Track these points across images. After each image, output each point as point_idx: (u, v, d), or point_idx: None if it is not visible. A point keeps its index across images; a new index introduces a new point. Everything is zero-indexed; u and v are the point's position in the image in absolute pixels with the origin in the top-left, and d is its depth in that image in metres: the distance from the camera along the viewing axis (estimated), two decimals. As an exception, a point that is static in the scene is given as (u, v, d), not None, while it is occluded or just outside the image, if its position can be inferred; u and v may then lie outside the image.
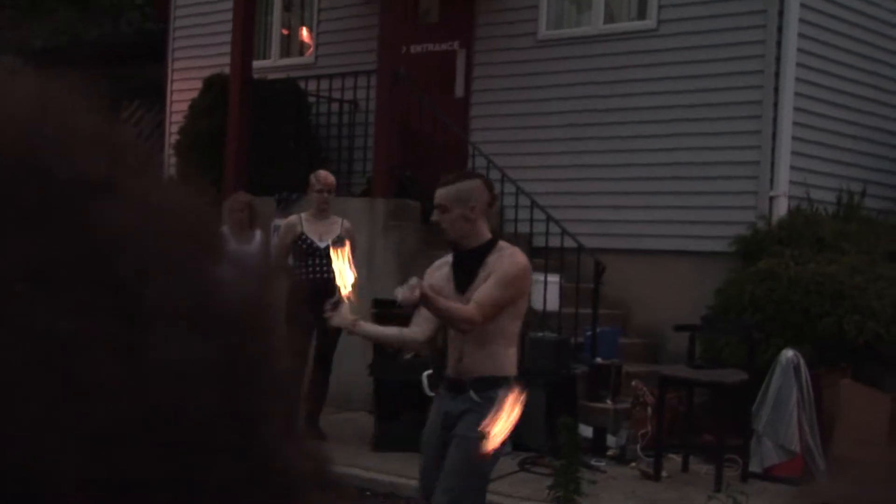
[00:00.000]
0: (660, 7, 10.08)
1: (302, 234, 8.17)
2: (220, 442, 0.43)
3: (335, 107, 11.50)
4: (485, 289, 4.48)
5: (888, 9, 10.32)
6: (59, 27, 17.70)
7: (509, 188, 9.49)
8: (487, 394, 4.44)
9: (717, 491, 6.79)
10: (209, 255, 0.46)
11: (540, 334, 8.51)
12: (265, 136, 10.96)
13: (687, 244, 9.51)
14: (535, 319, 8.88)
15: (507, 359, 4.58)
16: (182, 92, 12.86)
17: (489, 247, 4.62)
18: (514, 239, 8.80)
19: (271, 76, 11.82)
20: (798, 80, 9.40)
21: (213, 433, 0.43)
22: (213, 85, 11.64)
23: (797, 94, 9.40)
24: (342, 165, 11.31)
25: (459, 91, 11.22)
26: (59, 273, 0.42)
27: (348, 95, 11.34)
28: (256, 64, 11.54)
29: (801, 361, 7.61)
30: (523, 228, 9.55)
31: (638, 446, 7.91)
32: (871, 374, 7.99)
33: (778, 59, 9.34)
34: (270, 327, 0.47)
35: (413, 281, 4.44)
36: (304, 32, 12.74)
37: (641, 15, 10.31)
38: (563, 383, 8.16)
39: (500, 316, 4.52)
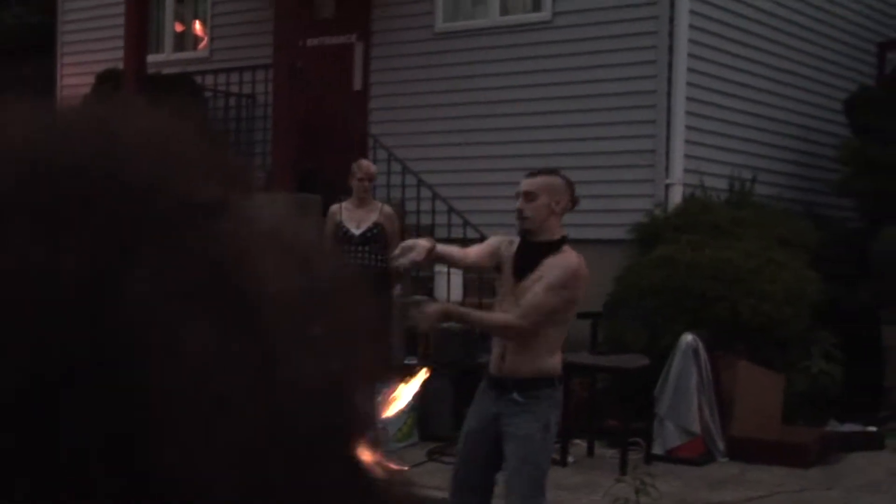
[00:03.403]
0: (554, -1, 10.21)
1: (340, 222, 8.19)
2: (328, 450, 0.46)
3: (232, 101, 11.40)
4: (532, 297, 4.53)
5: (776, 1, 10.61)
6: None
7: (410, 180, 9.53)
8: (531, 393, 4.56)
9: (623, 474, 6.93)
10: (316, 273, 0.48)
11: (445, 325, 8.55)
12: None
13: (586, 232, 9.59)
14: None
15: (550, 363, 4.64)
16: (74, 87, 12.59)
17: (553, 247, 4.67)
18: (416, 230, 8.85)
19: (166, 71, 11.65)
20: (690, 70, 9.61)
21: (328, 447, 0.46)
22: (107, 80, 11.43)
23: (689, 84, 9.61)
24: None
25: (357, 84, 11.21)
26: (196, 290, 0.44)
27: (246, 90, 11.24)
28: (150, 58, 11.37)
29: (700, 345, 7.80)
30: (425, 220, 9.60)
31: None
32: (766, 355, 8.23)
33: (670, 49, 9.54)
34: (370, 344, 0.50)
35: (425, 242, 4.48)
36: (198, 26, 12.58)
37: (536, 7, 10.43)
38: (468, 373, 8.23)
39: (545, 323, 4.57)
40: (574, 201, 4.82)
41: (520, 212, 4.69)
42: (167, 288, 0.43)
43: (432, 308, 4.53)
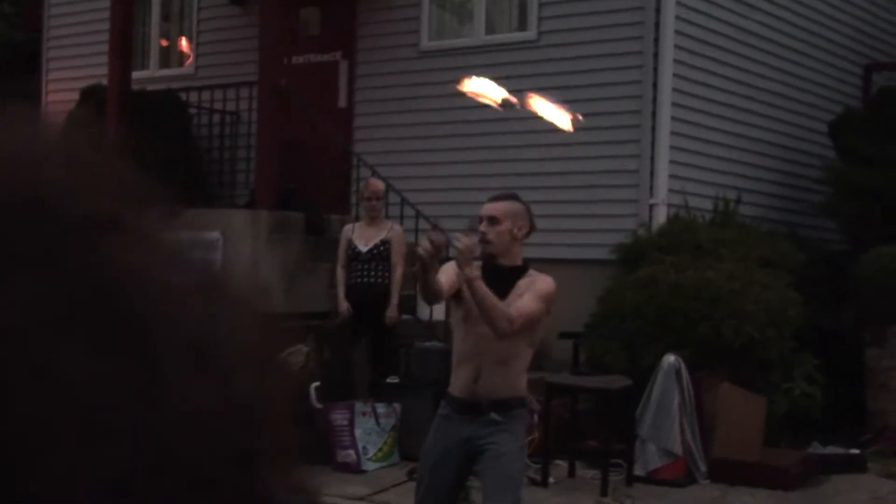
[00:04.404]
0: (540, 19, 10.21)
1: (350, 240, 8.43)
2: (222, 479, 0.43)
3: (217, 118, 11.37)
4: (524, 301, 4.61)
5: (761, 22, 10.63)
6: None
7: (394, 198, 9.49)
8: (508, 413, 4.59)
9: (604, 495, 6.90)
10: (213, 293, 0.46)
11: (427, 344, 8.53)
12: (145, 148, 10.74)
13: (569, 252, 9.63)
14: (421, 329, 8.90)
15: (523, 383, 4.74)
16: (58, 103, 12.55)
17: (522, 271, 4.78)
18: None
19: (150, 87, 11.62)
20: (675, 90, 9.62)
21: (219, 473, 0.43)
22: (91, 96, 11.40)
23: (674, 105, 9.62)
24: (225, 177, 11.20)
25: (342, 102, 11.19)
26: (72, 312, 0.41)
27: (230, 107, 11.22)
28: (135, 75, 11.33)
29: (683, 366, 7.77)
30: (409, 238, 9.55)
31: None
32: (747, 377, 8.20)
33: (655, 70, 9.54)
34: (271, 366, 0.47)
35: (466, 240, 4.46)
36: (184, 43, 12.56)
37: (522, 26, 10.43)
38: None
39: (520, 342, 4.65)
40: (531, 227, 4.86)
41: (483, 235, 4.71)
42: (40, 312, 0.40)
43: (470, 242, 4.50)
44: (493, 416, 4.56)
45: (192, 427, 0.42)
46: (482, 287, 4.48)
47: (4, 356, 0.39)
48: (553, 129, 9.84)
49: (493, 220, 4.72)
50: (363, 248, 8.38)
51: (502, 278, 4.69)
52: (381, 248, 8.37)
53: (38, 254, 0.41)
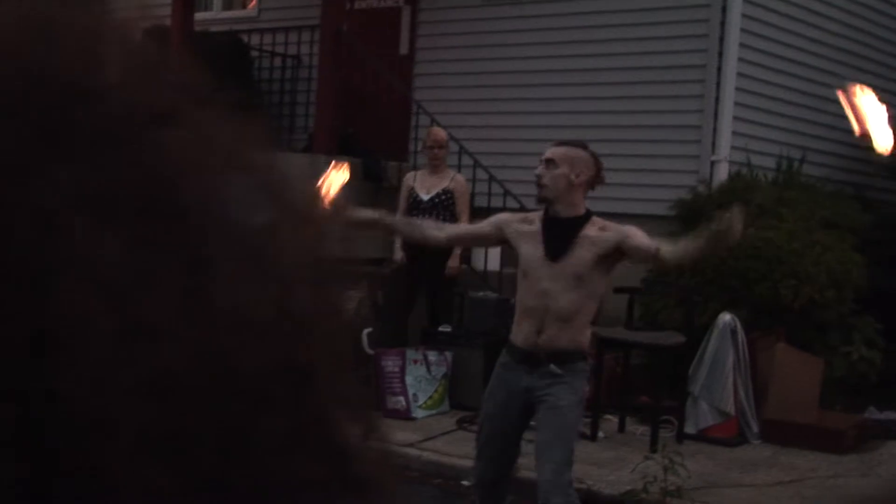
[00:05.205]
0: (607, -32, 10.05)
1: (412, 187, 8.43)
2: (274, 396, 0.40)
3: (278, 62, 11.38)
4: (644, 242, 4.55)
5: (832, -24, 10.38)
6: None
7: (453, 147, 9.44)
8: (568, 366, 4.55)
9: (653, 451, 6.85)
10: (271, 197, 0.43)
11: (480, 294, 8.51)
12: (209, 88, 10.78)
13: (628, 207, 9.51)
14: (476, 279, 8.88)
15: (585, 336, 4.69)
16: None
17: (584, 220, 4.63)
18: (456, 198, 8.77)
19: (213, 29, 11.63)
20: (742, 45, 9.43)
21: (268, 386, 0.40)
22: (153, 37, 11.38)
23: (741, 60, 9.44)
24: (284, 121, 11.20)
25: (404, 48, 11.13)
26: (119, 204, 0.39)
27: (291, 50, 11.22)
28: (198, 16, 11.36)
29: (738, 325, 7.68)
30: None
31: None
32: (805, 339, 8.09)
33: (722, 24, 9.36)
34: (329, 279, 0.45)
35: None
36: (248, -15, 12.54)
37: (587, -24, 10.27)
38: (501, 343, 8.16)
39: (583, 296, 4.56)
40: (600, 179, 4.74)
41: (538, 178, 4.65)
42: (83, 201, 0.38)
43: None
44: (553, 368, 4.54)
45: (241, 333, 0.40)
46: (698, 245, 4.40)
47: (44, 243, 0.37)
48: (614, 81, 9.75)
49: (549, 163, 4.64)
50: (425, 197, 8.38)
51: (561, 229, 4.60)
52: (443, 196, 8.36)
53: (87, 140, 0.39)
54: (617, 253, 4.59)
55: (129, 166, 0.40)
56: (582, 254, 4.56)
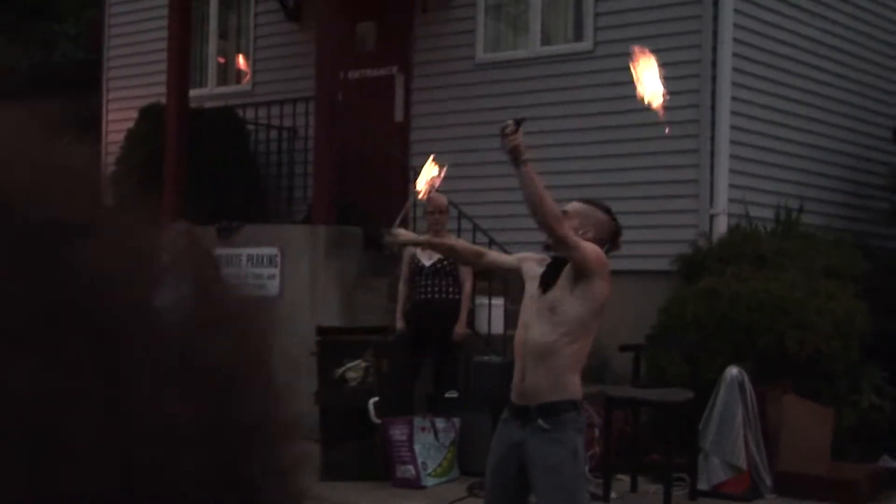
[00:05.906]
0: (596, 29, 10.14)
1: (414, 254, 8.43)
2: (205, 498, 0.39)
3: (274, 134, 11.44)
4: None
5: (822, 28, 10.47)
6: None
7: (451, 212, 9.46)
8: (557, 419, 4.47)
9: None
10: (197, 300, 0.42)
11: (485, 358, 8.48)
12: (204, 165, 10.85)
13: (629, 263, 9.49)
14: (480, 342, 8.85)
15: (572, 382, 4.56)
16: (118, 122, 12.72)
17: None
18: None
19: (208, 105, 11.71)
20: (734, 98, 9.49)
21: (198, 490, 0.39)
22: (150, 114, 11.52)
23: (733, 113, 9.49)
24: (282, 193, 11.25)
25: (399, 115, 11.20)
26: (31, 323, 0.38)
27: (287, 122, 11.28)
28: (193, 93, 11.43)
29: (746, 378, 7.64)
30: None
31: (586, 468, 7.88)
32: (812, 388, 8.05)
33: (713, 78, 9.43)
34: (256, 378, 0.43)
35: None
36: (241, 60, 12.66)
37: (578, 37, 10.37)
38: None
39: (557, 333, 4.51)
40: (615, 245, 4.77)
41: None
42: None
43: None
44: (541, 423, 4.49)
45: (161, 440, 0.38)
46: (527, 164, 4.57)
47: None
48: (610, 140, 9.80)
49: (563, 214, 4.70)
50: (426, 263, 8.38)
51: (553, 267, 4.66)
52: (445, 262, 8.34)
53: (6, 255, 0.38)
54: (574, 271, 4.56)
55: (43, 281, 0.38)
56: (560, 284, 4.59)
